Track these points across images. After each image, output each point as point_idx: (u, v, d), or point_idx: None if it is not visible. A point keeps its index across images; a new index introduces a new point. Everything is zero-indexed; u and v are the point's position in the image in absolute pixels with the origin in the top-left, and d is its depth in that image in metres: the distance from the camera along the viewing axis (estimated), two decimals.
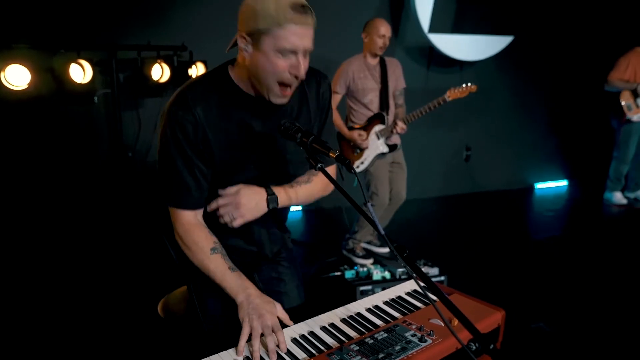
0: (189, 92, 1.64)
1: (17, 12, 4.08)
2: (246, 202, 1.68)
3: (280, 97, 1.62)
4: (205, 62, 4.71)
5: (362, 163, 4.15)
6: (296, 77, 1.58)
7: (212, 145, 1.64)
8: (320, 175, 1.88)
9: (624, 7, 6.88)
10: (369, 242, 4.55)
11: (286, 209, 1.99)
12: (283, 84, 1.59)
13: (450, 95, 4.16)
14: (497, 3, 6.06)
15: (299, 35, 1.51)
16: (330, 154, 1.48)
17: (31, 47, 3.83)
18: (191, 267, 1.74)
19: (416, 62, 6.20)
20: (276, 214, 1.91)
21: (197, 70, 4.64)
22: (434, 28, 5.82)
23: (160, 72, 4.43)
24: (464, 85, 4.19)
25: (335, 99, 4.16)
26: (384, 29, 3.99)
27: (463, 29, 6.02)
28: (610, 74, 5.98)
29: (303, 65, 1.57)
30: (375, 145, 4.14)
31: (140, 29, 4.64)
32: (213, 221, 1.74)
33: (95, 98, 4.27)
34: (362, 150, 4.14)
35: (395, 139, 4.22)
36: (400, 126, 4.09)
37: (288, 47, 1.51)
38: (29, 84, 3.53)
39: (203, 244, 1.68)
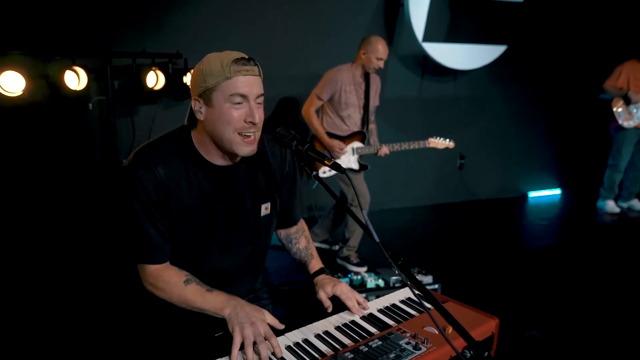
0: (150, 151, 1.66)
1: (12, 19, 4.07)
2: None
3: (245, 146, 1.62)
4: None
5: (324, 172, 4.18)
6: (253, 124, 1.60)
7: (171, 206, 1.65)
8: (302, 227, 2.11)
9: (617, 16, 6.94)
10: (343, 258, 4.47)
11: (264, 258, 2.01)
12: (241, 134, 1.60)
13: (431, 142, 4.43)
14: (491, 12, 6.10)
15: (247, 83, 1.57)
16: (326, 162, 1.50)
17: (26, 53, 3.82)
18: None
19: (410, 70, 6.23)
20: (255, 265, 1.95)
21: None
22: (428, 37, 5.85)
23: (155, 80, 4.43)
24: (446, 139, 4.45)
25: (317, 104, 4.18)
26: (383, 52, 4.03)
27: (457, 38, 6.06)
28: (605, 81, 6.08)
29: (257, 113, 1.60)
30: (348, 159, 4.20)
31: (135, 36, 4.64)
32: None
33: (90, 105, 4.26)
34: (332, 158, 4.15)
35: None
36: (384, 151, 4.25)
37: (238, 92, 1.56)
38: (23, 90, 3.52)
39: (175, 280, 1.68)
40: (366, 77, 4.20)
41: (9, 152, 4.24)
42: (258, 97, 1.61)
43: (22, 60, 3.65)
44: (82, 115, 4.52)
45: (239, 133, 1.60)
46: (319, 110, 4.28)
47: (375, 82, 4.30)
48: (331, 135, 4.18)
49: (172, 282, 1.67)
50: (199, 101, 1.62)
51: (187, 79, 4.62)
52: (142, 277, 1.73)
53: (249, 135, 1.61)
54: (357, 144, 4.20)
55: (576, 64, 7.12)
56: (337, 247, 4.67)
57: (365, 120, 4.24)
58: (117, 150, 4.60)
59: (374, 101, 4.33)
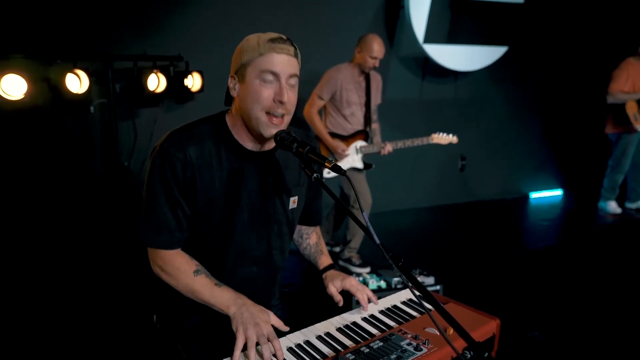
0: (183, 132, 1.65)
1: (14, 23, 4.09)
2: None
3: (271, 127, 1.61)
4: (201, 72, 4.72)
5: (328, 172, 4.16)
6: (281, 103, 1.58)
7: (198, 189, 1.64)
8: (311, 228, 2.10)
9: (617, 17, 6.94)
10: (346, 260, 4.48)
11: (284, 258, 1.98)
12: (270, 114, 1.60)
13: (434, 138, 4.32)
14: (492, 14, 6.11)
15: (280, 61, 1.57)
16: (326, 164, 1.50)
17: (27, 57, 3.84)
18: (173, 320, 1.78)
19: (411, 72, 6.24)
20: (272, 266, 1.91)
21: (193, 80, 4.66)
22: (428, 38, 5.86)
23: (156, 82, 4.44)
24: (450, 134, 4.33)
25: (318, 105, 4.17)
26: (377, 51, 4.01)
27: (458, 39, 6.07)
28: (610, 86, 5.98)
29: (288, 94, 1.58)
30: (352, 158, 4.19)
31: (137, 39, 4.65)
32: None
33: (92, 108, 4.27)
34: (336, 159, 4.16)
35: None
36: (388, 149, 4.19)
37: (269, 69, 1.55)
38: (25, 94, 3.53)
39: (185, 267, 1.67)
40: (366, 75, 4.20)
41: (11, 155, 4.25)
42: (291, 77, 1.60)
43: (23, 64, 3.66)
44: (83, 119, 4.53)
45: (267, 112, 1.59)
46: (322, 111, 4.28)
47: (376, 80, 4.30)
48: (335, 135, 4.18)
49: (181, 269, 1.66)
50: (234, 78, 1.64)
51: (189, 81, 4.63)
52: (151, 258, 1.71)
53: (277, 116, 1.60)
54: (360, 143, 4.19)
55: (577, 65, 7.13)
56: (338, 249, 4.68)
57: (368, 118, 4.24)
58: (118, 153, 4.61)
59: (376, 99, 4.32)
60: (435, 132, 4.32)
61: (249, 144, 1.71)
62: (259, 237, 1.80)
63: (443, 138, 4.31)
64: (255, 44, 1.57)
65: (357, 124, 4.20)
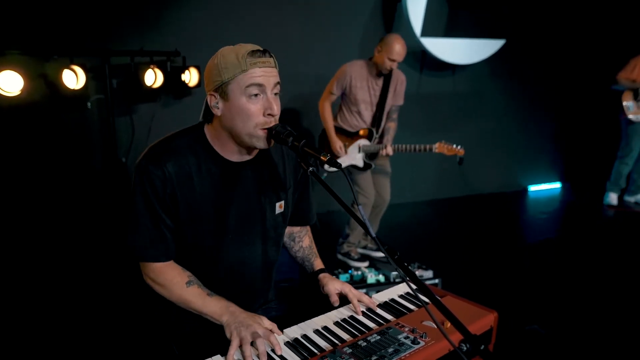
0: (161, 147, 1.66)
1: (9, 18, 4.07)
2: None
3: (265, 139, 1.62)
4: (198, 68, 4.71)
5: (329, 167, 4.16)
6: (272, 116, 1.59)
7: (180, 203, 1.65)
8: (306, 227, 2.11)
9: (616, 8, 6.92)
10: (364, 247, 4.57)
11: (276, 260, 1.99)
12: (263, 129, 1.60)
13: (438, 147, 4.13)
14: (489, 6, 6.09)
15: (263, 75, 1.56)
16: (322, 157, 1.50)
17: (24, 53, 3.82)
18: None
19: (409, 66, 6.22)
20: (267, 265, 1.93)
21: (190, 75, 4.64)
22: (426, 32, 5.84)
23: (153, 78, 4.43)
24: (456, 145, 4.14)
25: (330, 99, 4.13)
26: (397, 54, 3.86)
27: (455, 32, 6.05)
28: (619, 73, 6.03)
29: (275, 104, 1.59)
30: (353, 156, 4.16)
31: (133, 35, 4.63)
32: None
33: (89, 104, 4.27)
34: (337, 154, 4.14)
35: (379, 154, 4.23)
36: (388, 151, 4.10)
37: (255, 83, 1.54)
38: (21, 90, 3.52)
39: (177, 279, 1.68)
40: (385, 76, 4.07)
41: (8, 152, 4.25)
42: (275, 86, 1.60)
43: (19, 60, 3.64)
44: (80, 115, 4.52)
45: (261, 128, 1.59)
46: (336, 105, 4.25)
47: (397, 81, 4.15)
48: (341, 131, 4.16)
49: (174, 281, 1.68)
50: (214, 96, 1.61)
51: (186, 76, 4.62)
52: (143, 271, 1.73)
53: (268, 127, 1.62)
54: (363, 142, 4.15)
55: (575, 57, 7.11)
56: (380, 255, 4.57)
57: (376, 119, 4.16)
58: (116, 149, 4.60)
59: (395, 100, 4.20)
60: (440, 141, 4.16)
61: (233, 156, 1.72)
62: (248, 243, 1.81)
63: (448, 148, 4.12)
64: (235, 60, 1.54)
65: (364, 122, 4.16)
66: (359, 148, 4.15)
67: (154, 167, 1.61)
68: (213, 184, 1.69)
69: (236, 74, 1.54)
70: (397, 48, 3.85)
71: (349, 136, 4.16)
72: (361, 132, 4.16)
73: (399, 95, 4.24)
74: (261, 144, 1.62)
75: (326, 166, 4.17)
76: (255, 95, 1.56)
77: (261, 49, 1.58)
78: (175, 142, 1.68)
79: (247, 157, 1.74)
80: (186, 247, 1.73)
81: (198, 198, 1.67)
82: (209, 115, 1.71)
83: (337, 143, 4.10)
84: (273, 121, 1.60)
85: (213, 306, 1.63)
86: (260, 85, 1.55)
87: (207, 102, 1.65)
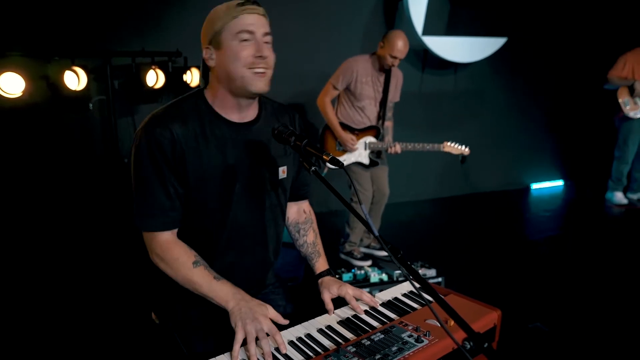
0: (165, 112, 1.66)
1: (11, 20, 4.08)
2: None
3: (257, 80, 1.63)
4: (200, 68, 4.71)
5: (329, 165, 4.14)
6: (262, 58, 1.62)
7: (187, 164, 1.64)
8: (311, 218, 2.10)
9: (618, 6, 6.91)
10: (367, 246, 4.56)
11: (281, 231, 1.98)
12: (253, 70, 1.62)
13: (445, 147, 4.18)
14: (490, 5, 6.09)
15: (253, 20, 1.62)
16: (324, 156, 1.50)
17: (25, 54, 3.83)
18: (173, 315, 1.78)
19: (411, 64, 6.22)
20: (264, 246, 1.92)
21: (192, 75, 4.64)
22: (427, 30, 5.84)
23: (155, 78, 4.43)
24: (462, 146, 4.19)
25: (332, 94, 4.10)
26: (399, 51, 3.86)
27: (457, 31, 6.04)
28: (609, 72, 6.02)
29: (265, 48, 1.63)
30: (359, 153, 4.14)
31: (135, 36, 4.64)
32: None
33: (90, 105, 4.28)
34: (344, 150, 4.13)
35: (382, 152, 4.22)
36: (396, 149, 4.09)
37: (244, 29, 1.60)
38: (23, 91, 3.53)
39: (184, 258, 1.66)
40: (387, 70, 4.08)
41: (10, 153, 4.25)
42: (265, 35, 1.65)
43: (21, 62, 3.65)
44: (82, 116, 4.53)
45: (249, 69, 1.61)
46: (334, 100, 4.24)
47: (396, 77, 4.18)
48: (345, 127, 4.14)
49: (180, 260, 1.65)
50: (209, 48, 1.67)
51: (187, 77, 4.62)
52: (150, 247, 1.70)
53: (260, 71, 1.63)
54: (370, 139, 4.13)
55: (577, 55, 7.10)
56: (383, 254, 4.58)
57: (381, 115, 4.16)
58: (118, 150, 4.60)
59: (394, 96, 4.22)
60: (447, 141, 4.19)
61: (233, 116, 1.73)
62: (254, 207, 1.81)
63: (455, 148, 4.17)
64: (225, 9, 1.62)
65: (368, 118, 4.14)
66: (366, 145, 4.13)
67: (161, 128, 1.60)
68: (217, 146, 1.68)
69: (227, 21, 1.61)
70: (399, 45, 3.85)
71: (354, 133, 4.14)
72: (370, 130, 4.13)
73: (397, 92, 4.26)
74: (252, 86, 1.64)
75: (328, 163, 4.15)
76: (246, 40, 1.61)
77: (251, 0, 1.64)
78: (178, 107, 1.69)
79: (248, 117, 1.76)
80: (191, 213, 1.72)
81: (204, 160, 1.66)
82: (207, 77, 1.75)
83: (348, 136, 4.06)
84: (263, 64, 1.63)
85: (219, 290, 1.61)
86: (250, 31, 1.61)
87: (203, 60, 1.70)
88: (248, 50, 1.60)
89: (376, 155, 4.20)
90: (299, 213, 2.09)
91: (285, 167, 1.86)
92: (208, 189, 1.69)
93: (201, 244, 1.72)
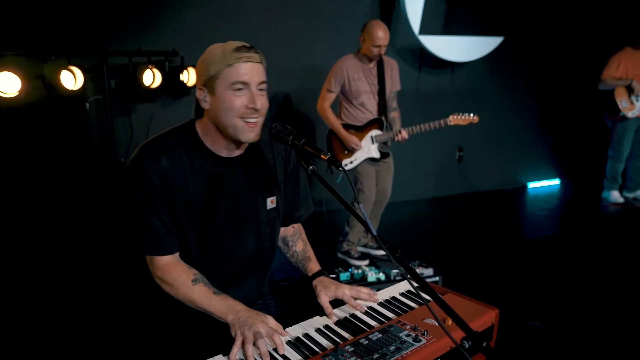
0: (154, 143, 1.68)
1: (6, 19, 4.06)
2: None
3: (248, 131, 1.64)
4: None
5: (350, 162, 4.14)
6: (255, 110, 1.61)
7: (175, 196, 1.67)
8: (299, 230, 2.10)
9: (614, 6, 6.92)
10: (365, 246, 4.57)
11: (271, 256, 2.00)
12: (245, 120, 1.62)
13: (452, 120, 4.12)
14: (487, 4, 6.09)
15: (248, 70, 1.60)
16: (322, 156, 1.50)
17: (21, 54, 3.81)
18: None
19: (407, 64, 6.22)
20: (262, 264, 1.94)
21: (188, 75, 4.64)
22: (424, 30, 5.84)
23: (151, 78, 4.42)
24: (469, 114, 4.14)
25: (330, 98, 4.12)
26: (380, 39, 3.86)
27: (453, 30, 6.05)
28: (602, 73, 6.04)
29: (259, 99, 1.62)
30: (368, 148, 4.14)
31: (131, 35, 4.62)
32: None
33: (87, 104, 4.26)
34: (351, 151, 4.13)
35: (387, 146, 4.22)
36: (403, 136, 4.07)
37: (239, 80, 1.59)
38: (19, 91, 3.52)
39: (184, 277, 1.68)
40: (378, 62, 4.09)
41: (7, 153, 4.24)
42: (260, 84, 1.64)
43: (17, 61, 3.63)
44: (79, 115, 4.51)
45: (241, 118, 1.62)
46: (337, 105, 4.24)
47: (390, 66, 4.16)
48: (350, 127, 4.13)
49: (180, 279, 1.68)
50: (203, 90, 1.66)
51: (184, 76, 4.61)
52: (151, 269, 1.74)
53: (252, 121, 1.63)
54: (375, 132, 4.12)
55: (573, 54, 7.11)
56: (380, 253, 4.57)
57: (382, 107, 4.14)
58: (115, 150, 4.59)
59: (393, 86, 4.20)
60: (453, 114, 4.13)
61: (222, 151, 1.74)
62: (239, 238, 1.82)
63: (462, 119, 4.11)
64: (221, 55, 1.59)
65: (371, 113, 4.14)
66: (372, 139, 4.13)
67: (149, 161, 1.63)
68: (204, 179, 1.71)
69: (221, 68, 1.59)
70: (380, 34, 3.86)
71: (359, 130, 4.14)
72: (373, 124, 4.13)
73: (395, 81, 4.23)
74: (243, 136, 1.64)
75: (349, 163, 4.13)
76: (240, 89, 1.60)
77: (247, 45, 1.62)
78: (167, 138, 1.70)
79: (237, 152, 1.77)
80: (180, 242, 1.74)
81: (191, 193, 1.69)
82: (199, 111, 1.75)
83: (352, 139, 4.07)
84: (256, 115, 1.63)
85: (219, 305, 1.63)
86: (245, 82, 1.60)
87: (197, 97, 1.70)
88: (241, 101, 1.61)
89: (385, 147, 4.20)
90: (286, 229, 2.10)
91: (274, 198, 1.88)
92: (194, 219, 1.72)
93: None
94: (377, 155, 4.16)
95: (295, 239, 2.09)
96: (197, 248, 1.76)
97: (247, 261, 1.87)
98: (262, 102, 1.64)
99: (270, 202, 1.87)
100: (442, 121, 4.09)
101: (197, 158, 1.70)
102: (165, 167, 1.63)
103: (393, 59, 4.26)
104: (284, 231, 2.09)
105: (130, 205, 1.67)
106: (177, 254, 1.75)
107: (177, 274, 1.69)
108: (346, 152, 4.15)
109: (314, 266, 2.01)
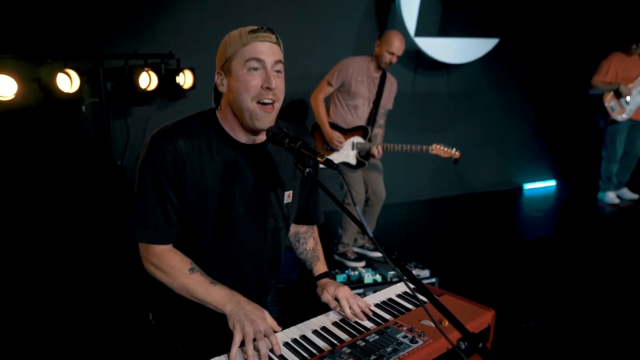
0: (173, 126, 1.66)
1: (2, 22, 4.06)
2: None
3: (263, 116, 1.62)
4: (192, 70, 4.71)
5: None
6: (270, 89, 1.60)
7: (188, 180, 1.64)
8: (312, 228, 2.09)
9: (608, 8, 6.95)
10: (361, 247, 4.57)
11: (280, 255, 1.97)
12: (261, 103, 1.61)
13: (434, 149, 4.13)
14: (483, 6, 6.11)
15: (264, 49, 1.59)
16: (318, 158, 1.50)
17: (17, 57, 3.81)
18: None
19: (403, 65, 6.23)
20: (272, 264, 1.92)
21: (184, 77, 4.64)
22: (420, 32, 5.85)
23: (147, 80, 4.43)
24: (452, 148, 4.14)
25: (326, 91, 4.14)
26: (396, 48, 3.95)
27: (449, 32, 6.06)
28: (593, 78, 6.10)
29: (275, 80, 1.60)
30: (347, 152, 4.16)
31: (127, 38, 4.63)
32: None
33: (83, 107, 4.25)
34: (332, 150, 4.14)
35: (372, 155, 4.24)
36: (379, 152, 4.12)
37: (254, 57, 1.58)
38: (15, 94, 3.51)
39: (180, 265, 1.66)
40: (383, 74, 4.15)
41: (3, 156, 4.23)
42: (275, 63, 1.62)
43: (13, 64, 3.63)
44: (75, 118, 4.51)
45: (257, 102, 1.60)
46: (328, 99, 4.25)
47: (390, 83, 4.23)
48: (333, 126, 4.15)
49: (176, 267, 1.65)
50: (221, 74, 1.66)
51: (180, 79, 4.61)
52: (145, 256, 1.70)
53: (267, 103, 1.62)
54: (358, 139, 4.15)
55: (568, 56, 7.14)
56: (376, 255, 4.59)
57: (372, 116, 4.18)
58: (111, 152, 4.59)
59: (387, 102, 4.25)
60: (436, 143, 4.14)
61: (242, 137, 1.71)
62: (255, 231, 1.79)
63: (444, 151, 4.11)
64: (237, 36, 1.60)
65: (359, 118, 4.16)
66: (353, 145, 4.15)
67: (165, 142, 1.60)
68: (223, 165, 1.68)
69: (238, 48, 1.59)
70: (397, 42, 3.95)
71: (342, 132, 4.15)
72: (357, 130, 4.15)
73: (390, 99, 4.29)
74: (259, 122, 1.62)
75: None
76: (255, 68, 1.59)
77: (264, 27, 1.62)
78: (187, 123, 1.68)
79: (257, 140, 1.74)
80: (190, 230, 1.72)
81: (207, 179, 1.66)
82: (218, 99, 1.74)
83: (334, 134, 4.09)
84: (271, 95, 1.61)
85: (216, 295, 1.61)
86: (260, 60, 1.59)
87: (216, 83, 1.69)
88: (256, 80, 1.59)
89: (364, 157, 4.21)
90: (299, 226, 2.09)
91: (291, 192, 1.85)
92: (207, 208, 1.69)
93: (198, 264, 1.71)
94: (353, 162, 4.18)
95: (307, 237, 2.08)
96: (210, 240, 1.73)
97: (257, 257, 1.83)
98: (278, 84, 1.62)
99: (287, 196, 1.84)
100: (424, 147, 4.10)
101: (216, 143, 1.67)
102: (182, 149, 1.61)
103: (394, 78, 4.30)
104: (296, 227, 2.08)
105: (138, 187, 1.64)
106: (171, 244, 1.72)
107: (173, 262, 1.66)
108: (326, 149, 4.16)
109: (321, 267, 2.00)
